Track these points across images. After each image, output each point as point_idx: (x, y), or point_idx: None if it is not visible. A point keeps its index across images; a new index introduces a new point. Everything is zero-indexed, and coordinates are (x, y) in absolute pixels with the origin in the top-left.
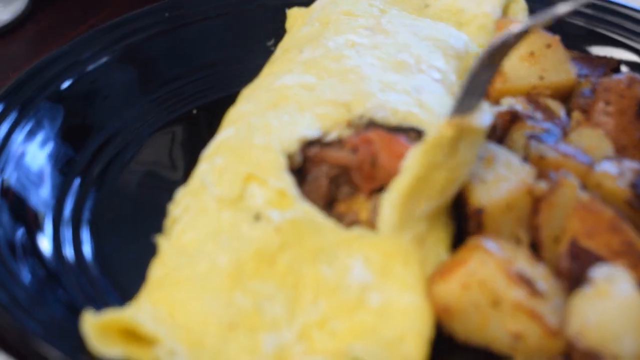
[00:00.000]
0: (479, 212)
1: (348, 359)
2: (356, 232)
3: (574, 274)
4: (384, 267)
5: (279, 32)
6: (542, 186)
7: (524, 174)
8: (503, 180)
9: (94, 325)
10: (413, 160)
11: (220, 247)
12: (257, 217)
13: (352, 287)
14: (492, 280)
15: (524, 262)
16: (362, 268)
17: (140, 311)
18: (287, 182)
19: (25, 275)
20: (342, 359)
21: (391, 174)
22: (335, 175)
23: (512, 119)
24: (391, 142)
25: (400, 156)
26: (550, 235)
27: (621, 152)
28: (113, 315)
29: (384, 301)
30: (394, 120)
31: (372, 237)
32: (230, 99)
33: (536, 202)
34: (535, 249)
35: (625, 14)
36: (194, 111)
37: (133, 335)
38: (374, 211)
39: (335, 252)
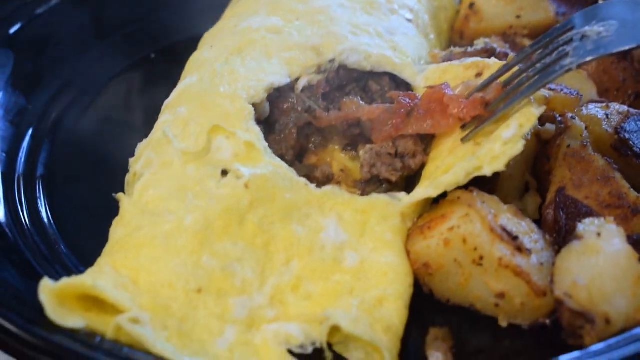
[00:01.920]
0: None
1: (324, 325)
2: (328, 189)
3: (561, 228)
4: (359, 225)
5: None
6: (550, 128)
7: None
8: None
9: (52, 293)
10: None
11: (186, 206)
12: (225, 173)
13: (326, 247)
14: (475, 236)
15: (508, 216)
16: (337, 227)
17: (102, 276)
18: (255, 134)
19: None
20: (317, 324)
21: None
22: (304, 124)
23: (489, 57)
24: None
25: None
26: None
27: (604, 94)
28: (72, 282)
29: (360, 261)
30: (367, 65)
31: (345, 194)
32: (191, 42)
33: (544, 146)
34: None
35: None
36: (152, 55)
37: (94, 301)
38: (364, 163)
39: (307, 211)
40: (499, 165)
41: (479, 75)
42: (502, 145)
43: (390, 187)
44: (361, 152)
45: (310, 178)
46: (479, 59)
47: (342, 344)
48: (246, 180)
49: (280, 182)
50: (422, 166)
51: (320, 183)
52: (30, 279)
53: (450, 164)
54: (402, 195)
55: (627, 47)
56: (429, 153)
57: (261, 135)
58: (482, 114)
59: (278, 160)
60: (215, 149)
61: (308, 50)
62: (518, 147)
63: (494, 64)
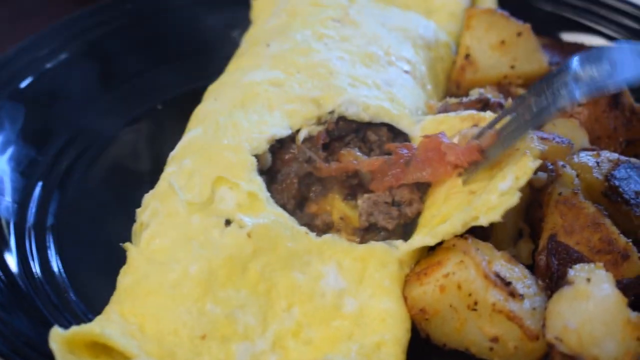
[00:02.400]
0: None
1: None
2: (328, 238)
3: (553, 273)
4: (358, 273)
5: (244, 23)
6: (542, 177)
7: None
8: None
9: (62, 340)
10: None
11: (191, 255)
12: (228, 222)
13: (326, 293)
14: (469, 282)
15: (502, 263)
16: (336, 274)
17: (110, 324)
18: (258, 185)
19: None
20: None
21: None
22: (305, 174)
23: (483, 107)
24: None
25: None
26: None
27: (595, 142)
28: (81, 330)
29: (359, 307)
30: (365, 116)
31: (344, 242)
32: (195, 93)
33: (537, 194)
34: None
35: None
36: (159, 107)
37: (103, 348)
38: (362, 212)
39: (308, 259)
40: (496, 216)
41: (475, 126)
42: (499, 196)
43: (388, 234)
44: (359, 202)
45: (311, 226)
46: (474, 111)
47: None
48: (249, 230)
49: (282, 231)
50: (419, 214)
51: (320, 231)
52: (41, 327)
53: (446, 213)
54: (399, 242)
55: (618, 86)
56: (425, 201)
57: (263, 186)
58: (479, 160)
59: (280, 209)
60: (219, 199)
61: (309, 102)
62: (514, 199)
63: (490, 117)
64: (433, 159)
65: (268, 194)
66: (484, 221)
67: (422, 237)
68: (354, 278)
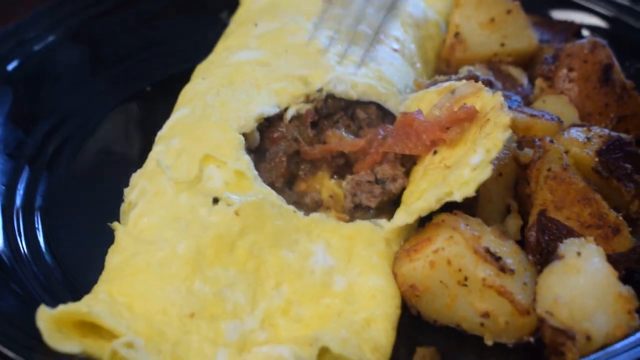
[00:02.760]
0: None
1: (314, 346)
2: (316, 216)
3: (543, 248)
4: (346, 251)
5: (232, 4)
6: (529, 153)
7: (509, 143)
8: None
9: (50, 319)
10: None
11: (179, 233)
12: (216, 201)
13: (315, 271)
14: (459, 258)
15: (491, 238)
16: (325, 252)
17: (98, 303)
18: (246, 163)
19: None
20: (307, 346)
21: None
22: (293, 152)
23: None
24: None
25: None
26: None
27: (586, 119)
28: (69, 309)
29: (349, 284)
30: (353, 94)
31: (332, 221)
32: (184, 75)
33: (523, 170)
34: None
35: None
36: (148, 88)
37: (90, 327)
38: (347, 194)
39: (296, 237)
40: (469, 191)
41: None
42: (471, 170)
43: (377, 212)
44: (343, 184)
45: (300, 204)
46: (450, 82)
47: None
48: (237, 208)
49: (270, 210)
50: (404, 189)
51: (310, 209)
52: (29, 307)
53: (422, 189)
54: (384, 222)
55: None
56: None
57: (251, 164)
58: (443, 138)
59: (268, 188)
60: (206, 178)
61: (296, 80)
62: (486, 172)
63: (463, 84)
64: (409, 134)
65: (256, 173)
66: (457, 196)
67: (400, 216)
68: (342, 256)
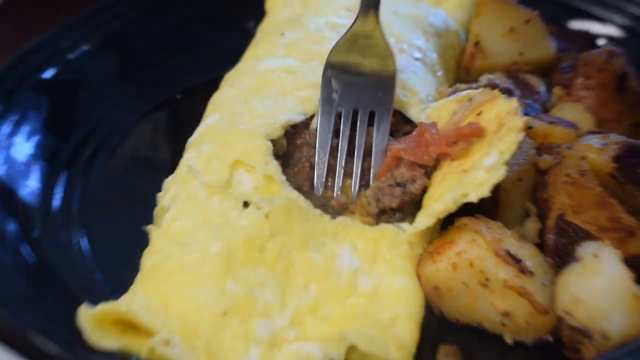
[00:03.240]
0: (496, 188)
1: (342, 344)
2: (341, 220)
3: (561, 251)
4: (371, 253)
5: (259, 14)
6: (547, 159)
7: (527, 149)
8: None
9: (90, 317)
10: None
11: (211, 235)
12: (246, 204)
13: (342, 272)
14: (481, 260)
15: (512, 241)
16: (351, 254)
17: (135, 302)
18: (274, 168)
19: (19, 269)
20: (335, 344)
21: None
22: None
23: None
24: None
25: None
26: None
27: (602, 125)
28: (108, 308)
29: (374, 285)
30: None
31: (357, 224)
32: (213, 83)
33: (542, 175)
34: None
35: None
36: (178, 96)
37: (129, 325)
38: (371, 201)
39: (323, 240)
40: (484, 192)
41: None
42: (485, 172)
43: (403, 215)
44: (367, 192)
45: (326, 207)
46: (470, 91)
47: None
48: (267, 212)
49: (298, 213)
50: (425, 190)
51: (335, 212)
52: (70, 306)
53: (440, 193)
54: (407, 225)
55: None
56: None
57: (279, 169)
58: (448, 152)
59: (295, 192)
60: (236, 182)
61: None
62: (500, 173)
63: (480, 92)
64: (420, 145)
65: (284, 177)
66: (473, 197)
67: (422, 219)
68: (367, 258)
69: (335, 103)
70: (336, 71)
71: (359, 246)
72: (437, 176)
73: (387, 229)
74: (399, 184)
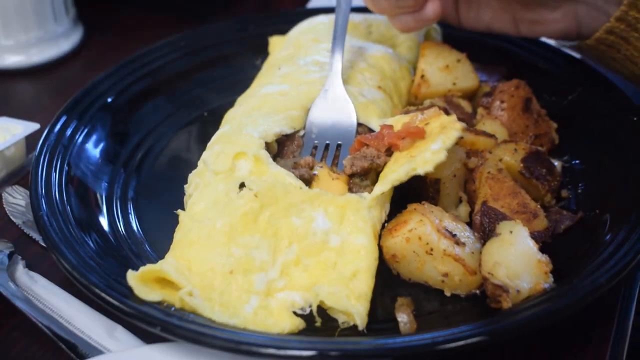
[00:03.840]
0: (437, 181)
1: (316, 298)
2: (317, 191)
3: (485, 227)
4: (339, 216)
5: (264, 54)
6: (474, 160)
7: (460, 154)
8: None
9: (135, 277)
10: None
11: (218, 213)
12: (242, 186)
13: (317, 232)
14: (427, 235)
15: (449, 221)
16: (324, 218)
17: (166, 265)
18: (264, 154)
19: (90, 242)
20: (313, 294)
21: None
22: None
23: None
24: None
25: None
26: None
27: (513, 136)
28: (147, 269)
29: (341, 242)
30: None
31: (328, 194)
32: (230, 104)
33: (471, 172)
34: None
35: (511, 40)
36: (205, 114)
37: (166, 282)
38: (347, 166)
39: (302, 207)
40: (429, 168)
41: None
42: (432, 154)
43: (368, 182)
44: (344, 161)
45: (303, 178)
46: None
47: (331, 308)
48: (256, 191)
49: (281, 189)
50: (385, 165)
51: (307, 182)
52: (126, 269)
53: (394, 169)
54: (366, 194)
55: None
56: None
57: (268, 155)
58: (397, 144)
59: (280, 168)
60: (237, 169)
61: (305, 109)
62: (442, 156)
63: (427, 110)
64: (378, 136)
65: (271, 160)
66: (420, 171)
67: (379, 187)
68: (336, 220)
69: (314, 139)
70: (316, 119)
71: (330, 210)
72: (390, 161)
73: (352, 197)
74: (367, 157)
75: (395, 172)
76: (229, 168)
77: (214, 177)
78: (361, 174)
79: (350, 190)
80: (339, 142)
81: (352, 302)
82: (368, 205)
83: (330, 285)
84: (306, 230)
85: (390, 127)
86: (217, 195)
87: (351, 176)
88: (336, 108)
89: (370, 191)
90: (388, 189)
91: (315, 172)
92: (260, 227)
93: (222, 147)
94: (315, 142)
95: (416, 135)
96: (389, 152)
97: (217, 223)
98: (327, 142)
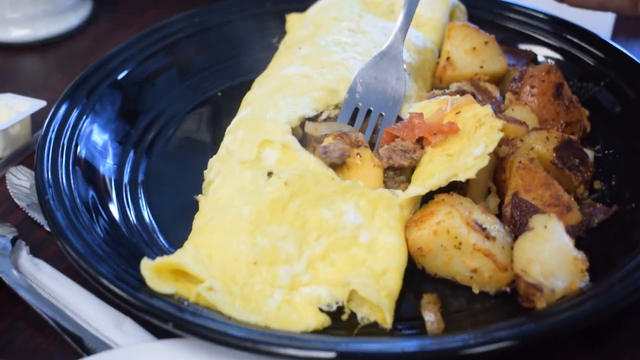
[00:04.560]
0: None
1: (345, 288)
2: (349, 183)
3: (516, 221)
4: (370, 211)
5: (281, 32)
6: (505, 149)
7: None
8: None
9: (150, 268)
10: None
11: (244, 200)
12: (270, 174)
13: (347, 227)
14: (456, 228)
15: (479, 213)
16: (354, 212)
17: (185, 255)
18: (291, 140)
19: (98, 229)
20: (340, 288)
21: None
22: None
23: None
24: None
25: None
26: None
27: (543, 124)
28: (164, 260)
29: (371, 238)
30: None
31: (361, 187)
32: (245, 84)
33: (500, 161)
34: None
35: (540, 18)
36: (219, 94)
37: (182, 273)
38: (383, 156)
39: (332, 199)
40: (471, 174)
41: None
42: (473, 159)
43: (404, 177)
44: (380, 150)
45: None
46: (448, 97)
47: (354, 301)
48: (286, 180)
49: (311, 178)
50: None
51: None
52: (136, 258)
53: (432, 170)
54: (400, 192)
55: None
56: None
57: (296, 141)
58: (428, 139)
59: (310, 155)
60: (264, 157)
61: (329, 91)
62: (485, 161)
63: (457, 97)
64: (409, 127)
65: (300, 146)
66: (462, 177)
67: (415, 188)
68: (367, 215)
69: (357, 100)
70: (364, 77)
71: (361, 204)
72: (425, 157)
73: (384, 193)
74: (404, 151)
75: (435, 178)
76: (255, 156)
77: (240, 165)
78: (397, 169)
79: (384, 183)
80: (382, 113)
81: (382, 299)
82: (400, 204)
83: (361, 276)
84: (336, 224)
85: (421, 115)
86: (243, 182)
87: (386, 169)
88: (388, 69)
89: (403, 188)
90: (425, 192)
91: (359, 153)
92: (289, 217)
93: (246, 133)
94: (358, 103)
95: (449, 132)
96: (420, 142)
97: (243, 210)
98: (370, 107)
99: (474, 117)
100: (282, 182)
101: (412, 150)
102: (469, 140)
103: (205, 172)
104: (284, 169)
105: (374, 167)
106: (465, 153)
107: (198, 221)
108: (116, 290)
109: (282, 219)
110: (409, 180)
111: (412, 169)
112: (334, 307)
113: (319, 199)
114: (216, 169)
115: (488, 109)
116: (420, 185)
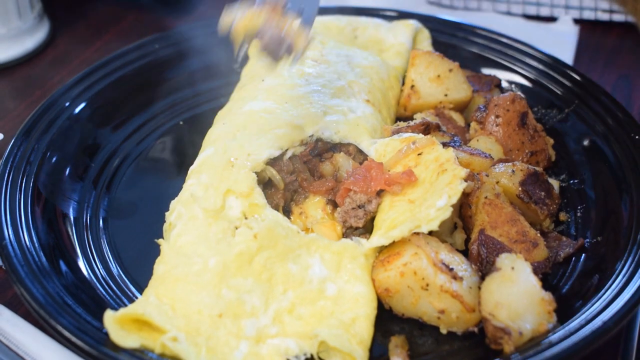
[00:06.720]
0: None
1: (314, 340)
2: (313, 236)
3: (483, 258)
4: (336, 263)
5: (244, 58)
6: (470, 184)
7: None
8: None
9: (113, 320)
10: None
11: (210, 250)
12: (238, 226)
13: (313, 280)
14: (423, 270)
15: (445, 252)
16: (320, 265)
17: (149, 305)
18: (259, 193)
19: (59, 274)
20: (308, 340)
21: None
22: (290, 182)
23: (426, 129)
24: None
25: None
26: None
27: (508, 154)
28: (128, 311)
29: (338, 290)
30: (336, 138)
31: (325, 240)
32: (207, 113)
33: (466, 197)
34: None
35: (505, 43)
36: (181, 123)
37: (144, 322)
38: (340, 222)
39: (299, 252)
40: (434, 226)
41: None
42: (436, 211)
43: (363, 230)
44: (335, 215)
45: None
46: (412, 134)
47: (325, 352)
48: (255, 232)
49: (280, 231)
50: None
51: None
52: (98, 305)
53: (394, 218)
54: (364, 241)
55: None
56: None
57: (262, 194)
58: (386, 190)
59: (276, 212)
60: (228, 207)
61: (294, 127)
62: (448, 213)
63: (421, 137)
64: (365, 178)
65: (265, 201)
66: (424, 229)
67: (378, 238)
68: (333, 267)
69: None
70: None
71: (327, 257)
72: (385, 202)
73: (348, 244)
74: (359, 206)
75: (397, 230)
76: (219, 206)
77: (204, 213)
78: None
79: (344, 235)
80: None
81: (354, 346)
82: (364, 254)
83: (330, 328)
84: (302, 277)
85: (380, 165)
86: (208, 231)
87: (346, 229)
88: None
89: (366, 237)
90: (388, 243)
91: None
92: (255, 270)
93: (210, 179)
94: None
95: (407, 182)
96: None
97: (208, 261)
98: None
99: (436, 161)
100: (251, 234)
101: (367, 201)
102: (431, 186)
103: (167, 213)
104: (252, 220)
105: (333, 222)
106: (428, 204)
107: (160, 268)
108: (80, 343)
109: (248, 272)
110: (369, 230)
111: (372, 218)
112: (303, 359)
113: (286, 252)
114: (178, 212)
115: (450, 152)
116: (383, 235)
